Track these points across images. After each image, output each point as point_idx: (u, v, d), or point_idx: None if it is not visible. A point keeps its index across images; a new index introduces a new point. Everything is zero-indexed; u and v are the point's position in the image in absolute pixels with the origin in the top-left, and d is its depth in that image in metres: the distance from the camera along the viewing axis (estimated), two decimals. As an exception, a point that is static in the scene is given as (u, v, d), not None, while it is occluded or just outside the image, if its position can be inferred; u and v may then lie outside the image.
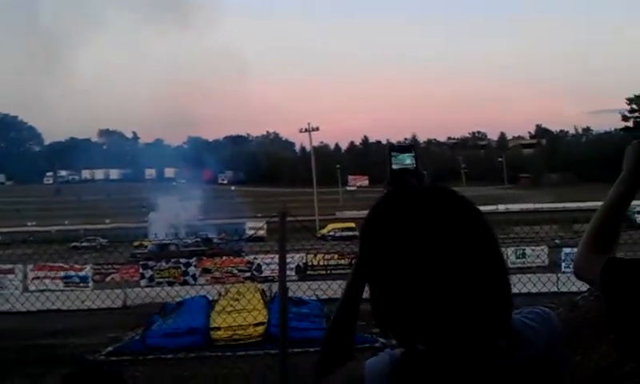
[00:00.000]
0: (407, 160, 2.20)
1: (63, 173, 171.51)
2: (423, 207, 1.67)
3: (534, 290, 19.01)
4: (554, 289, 26.07)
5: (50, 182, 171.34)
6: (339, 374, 2.03)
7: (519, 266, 37.36)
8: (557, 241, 41.67)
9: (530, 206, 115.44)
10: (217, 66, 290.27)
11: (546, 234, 39.27)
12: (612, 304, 1.99)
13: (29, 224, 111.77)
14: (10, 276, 39.21)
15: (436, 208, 1.67)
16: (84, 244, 74.07)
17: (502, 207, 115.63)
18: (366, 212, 1.78)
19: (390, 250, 1.64)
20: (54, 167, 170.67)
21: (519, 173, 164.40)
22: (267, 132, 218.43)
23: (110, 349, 22.86)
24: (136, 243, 63.03)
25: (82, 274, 42.19)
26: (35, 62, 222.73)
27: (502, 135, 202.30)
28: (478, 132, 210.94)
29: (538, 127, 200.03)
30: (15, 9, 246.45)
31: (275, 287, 24.18)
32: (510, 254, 41.14)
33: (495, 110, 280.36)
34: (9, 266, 39.30)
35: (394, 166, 2.19)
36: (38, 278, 40.66)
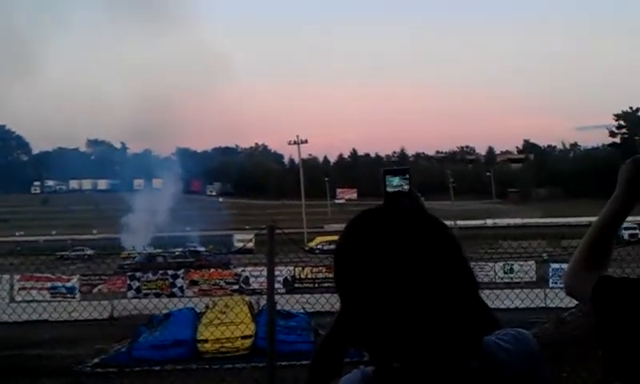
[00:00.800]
0: (401, 183, 2.24)
1: (51, 182, 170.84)
2: (392, 227, 1.68)
3: (521, 306, 19.06)
4: (542, 304, 26.13)
5: (38, 191, 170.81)
6: None
7: (507, 281, 37.35)
8: (544, 256, 41.76)
9: (518, 220, 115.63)
10: (206, 77, 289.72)
11: (533, 249, 39.40)
12: (602, 321, 2.00)
13: (17, 234, 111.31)
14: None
15: (405, 228, 1.68)
16: (71, 254, 73.87)
17: (489, 222, 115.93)
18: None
19: (360, 269, 1.65)
20: (41, 177, 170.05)
21: (507, 187, 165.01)
22: (256, 144, 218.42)
23: (96, 360, 22.75)
24: (123, 254, 62.92)
25: (68, 284, 41.97)
26: (22, 71, 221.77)
27: (490, 149, 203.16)
28: (467, 146, 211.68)
29: (526, 142, 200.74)
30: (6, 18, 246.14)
31: (263, 300, 24.19)
32: (497, 269, 41.21)
33: (483, 124, 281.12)
34: (-5, 276, 39.11)
35: (389, 189, 2.23)
36: (24, 288, 40.46)
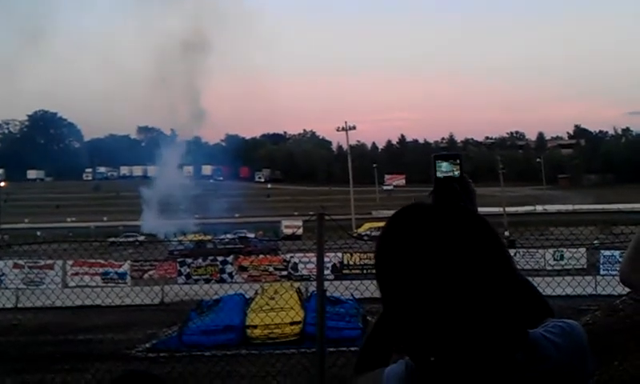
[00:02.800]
0: (452, 168, 2.19)
1: (102, 169, 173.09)
2: (432, 223, 1.66)
3: (572, 293, 18.86)
4: (593, 291, 25.74)
5: (89, 178, 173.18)
6: (364, 378, 2.04)
7: (558, 268, 36.93)
8: (595, 243, 41.19)
9: (569, 207, 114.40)
10: (256, 65, 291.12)
11: (585, 236, 38.88)
12: None
13: (68, 220, 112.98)
14: (50, 271, 39.74)
15: (445, 224, 1.66)
16: (122, 240, 74.83)
17: (539, 208, 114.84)
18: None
19: (399, 265, 1.64)
20: (93, 163, 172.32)
21: (558, 173, 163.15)
22: (304, 130, 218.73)
23: (147, 345, 23.03)
24: (173, 240, 63.49)
25: (120, 270, 42.57)
26: (75, 60, 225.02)
27: (541, 135, 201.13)
28: (516, 132, 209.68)
29: (577, 128, 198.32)
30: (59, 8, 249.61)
31: (311, 286, 24.26)
32: (548, 256, 40.79)
33: (534, 109, 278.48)
34: (49, 262, 39.79)
35: (439, 175, 2.18)
36: (77, 274, 41.14)
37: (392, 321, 1.71)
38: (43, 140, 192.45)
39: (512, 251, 39.70)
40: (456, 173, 2.18)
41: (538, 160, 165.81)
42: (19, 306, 30.31)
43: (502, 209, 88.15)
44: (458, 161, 2.21)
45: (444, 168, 2.19)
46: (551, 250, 40.83)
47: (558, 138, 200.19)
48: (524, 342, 1.69)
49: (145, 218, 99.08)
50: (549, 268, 37.85)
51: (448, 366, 1.62)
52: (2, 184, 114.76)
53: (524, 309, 1.73)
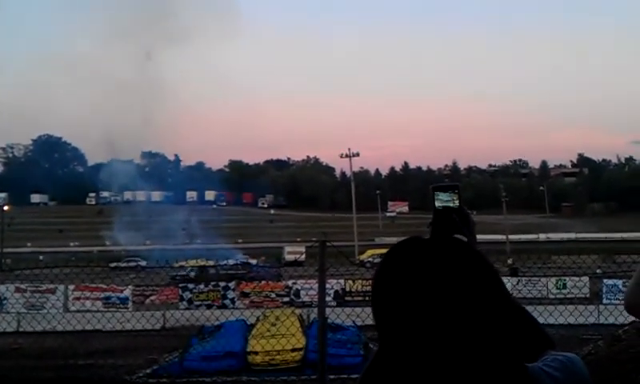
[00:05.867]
0: (451, 198, 2.21)
1: (106, 194, 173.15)
2: (429, 259, 1.67)
3: (574, 322, 18.78)
4: (596, 321, 25.66)
5: (93, 202, 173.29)
6: None
7: (560, 296, 36.83)
8: (598, 271, 41.14)
9: (572, 235, 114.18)
10: (259, 90, 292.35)
11: (587, 265, 38.79)
12: None
13: (71, 244, 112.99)
14: (52, 296, 39.72)
15: (442, 260, 1.66)
16: (124, 265, 74.86)
17: (542, 236, 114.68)
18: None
19: (395, 301, 1.65)
20: (96, 188, 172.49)
21: (561, 202, 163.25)
22: (307, 157, 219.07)
23: (148, 371, 22.95)
24: (176, 265, 63.44)
25: (121, 295, 42.53)
26: (79, 84, 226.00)
27: (544, 163, 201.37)
28: (520, 160, 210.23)
29: (580, 156, 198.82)
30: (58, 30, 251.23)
31: (313, 313, 24.19)
32: (550, 285, 40.73)
33: (537, 138, 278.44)
34: (51, 286, 39.78)
35: (438, 205, 2.21)
36: (78, 298, 41.10)
37: (387, 355, 1.71)
38: (47, 164, 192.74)
39: (515, 279, 39.89)
40: (455, 203, 2.21)
41: (541, 188, 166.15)
42: (20, 330, 30.27)
43: (505, 236, 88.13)
44: (457, 191, 2.24)
45: (443, 198, 2.22)
46: (554, 279, 40.76)
47: (561, 166, 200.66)
48: (522, 376, 1.68)
49: (148, 242, 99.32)
50: (551, 296, 37.81)
51: None
52: (6, 208, 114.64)
53: (522, 342, 1.73)
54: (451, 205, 2.20)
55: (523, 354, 1.72)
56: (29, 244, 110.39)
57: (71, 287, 40.65)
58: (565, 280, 40.59)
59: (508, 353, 1.63)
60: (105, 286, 43.20)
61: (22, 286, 39.98)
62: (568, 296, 37.50)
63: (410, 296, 1.61)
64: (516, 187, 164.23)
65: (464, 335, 1.57)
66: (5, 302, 39.45)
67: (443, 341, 1.57)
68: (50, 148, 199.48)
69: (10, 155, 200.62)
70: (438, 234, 2.11)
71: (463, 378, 1.58)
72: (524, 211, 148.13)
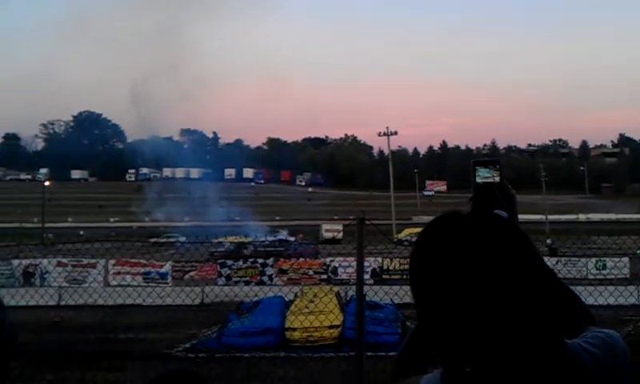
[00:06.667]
0: (491, 174, 2.18)
1: (145, 170, 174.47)
2: (468, 234, 1.64)
3: (614, 303, 18.62)
4: (636, 302, 25.40)
5: (132, 178, 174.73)
6: None
7: (600, 277, 36.49)
8: (639, 252, 40.67)
9: (612, 216, 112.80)
10: (298, 68, 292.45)
11: (627, 245, 38.35)
12: None
13: (111, 220, 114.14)
14: (93, 270, 40.22)
15: (481, 234, 1.63)
16: (164, 240, 75.44)
17: (582, 217, 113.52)
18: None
19: (434, 276, 1.62)
20: (136, 164, 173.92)
21: (601, 182, 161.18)
22: (345, 135, 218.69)
23: (186, 345, 23.16)
24: (214, 241, 63.79)
25: (161, 270, 42.93)
26: (119, 61, 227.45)
27: (584, 143, 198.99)
28: (559, 140, 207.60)
29: (621, 136, 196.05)
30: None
31: (351, 290, 24.22)
32: (590, 265, 40.36)
33: (577, 117, 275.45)
34: (92, 261, 40.27)
35: (478, 180, 2.18)
36: (119, 273, 41.55)
37: (426, 331, 1.70)
38: (87, 140, 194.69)
39: (554, 260, 39.56)
40: (496, 179, 2.18)
41: (581, 168, 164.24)
42: (62, 303, 30.67)
43: (544, 217, 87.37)
44: (498, 167, 2.20)
45: (483, 174, 2.19)
46: (593, 259, 40.39)
47: (601, 146, 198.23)
48: (561, 352, 1.66)
49: (187, 218, 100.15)
50: (591, 277, 37.45)
51: (483, 377, 1.60)
52: (47, 183, 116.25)
53: (562, 318, 1.70)
54: (492, 180, 2.17)
55: (563, 330, 1.69)
56: (69, 219, 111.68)
57: (111, 262, 41.12)
58: (604, 260, 40.22)
59: (547, 329, 1.61)
60: (145, 262, 43.63)
61: (64, 260, 40.48)
62: (608, 276, 37.20)
63: (448, 271, 1.59)
64: (555, 167, 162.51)
65: (504, 309, 1.55)
66: (47, 275, 40.01)
67: (483, 315, 1.55)
68: (91, 125, 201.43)
69: (51, 131, 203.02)
70: (478, 210, 2.10)
71: (501, 354, 1.56)
72: (563, 191, 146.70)
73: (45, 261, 41.69)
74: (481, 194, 2.15)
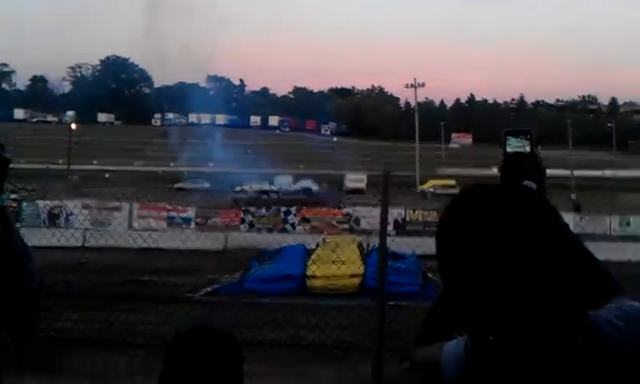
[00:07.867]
0: (522, 143, 2.19)
1: (171, 115, 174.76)
2: (495, 206, 1.65)
3: (636, 259, 18.56)
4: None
5: (158, 123, 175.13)
6: (424, 351, 2.08)
7: (623, 234, 36.33)
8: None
9: (638, 173, 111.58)
10: (325, 16, 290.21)
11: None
12: None
13: (136, 164, 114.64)
14: (117, 213, 40.58)
15: (508, 207, 1.64)
16: (189, 186, 75.83)
17: (608, 173, 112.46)
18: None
19: (460, 247, 1.63)
20: (162, 109, 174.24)
21: (629, 139, 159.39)
22: (372, 86, 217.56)
23: (208, 289, 23.35)
24: (238, 188, 64.01)
25: (185, 215, 43.22)
26: (147, 5, 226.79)
27: (613, 100, 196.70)
28: (589, 96, 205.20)
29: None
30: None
31: (372, 240, 24.24)
32: (614, 222, 40.19)
33: (607, 74, 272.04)
34: (116, 204, 40.61)
35: (509, 150, 2.19)
36: (143, 217, 41.89)
37: (452, 299, 1.73)
38: (114, 85, 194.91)
39: (578, 216, 39.38)
40: (526, 149, 2.19)
41: (609, 125, 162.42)
42: (86, 245, 30.96)
43: (569, 171, 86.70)
44: (529, 136, 2.21)
45: (514, 144, 2.20)
46: (618, 216, 40.18)
47: (631, 103, 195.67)
48: (584, 324, 1.67)
49: (211, 164, 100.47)
50: (614, 234, 37.27)
51: (506, 347, 1.63)
52: (73, 126, 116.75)
53: (587, 291, 1.71)
54: (522, 150, 2.18)
55: (588, 301, 1.70)
56: (95, 162, 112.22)
57: (136, 205, 41.43)
58: (629, 218, 40.03)
59: (571, 300, 1.62)
60: (169, 206, 43.94)
61: (89, 203, 40.86)
62: (632, 234, 37.02)
63: (474, 243, 1.60)
64: (583, 123, 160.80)
65: (528, 280, 1.56)
66: (72, 217, 40.43)
67: (508, 285, 1.56)
68: (118, 69, 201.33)
69: (79, 75, 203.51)
70: (506, 181, 2.11)
71: (524, 324, 1.58)
72: (590, 147, 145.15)
73: (70, 203, 42.13)
74: (511, 164, 2.16)
